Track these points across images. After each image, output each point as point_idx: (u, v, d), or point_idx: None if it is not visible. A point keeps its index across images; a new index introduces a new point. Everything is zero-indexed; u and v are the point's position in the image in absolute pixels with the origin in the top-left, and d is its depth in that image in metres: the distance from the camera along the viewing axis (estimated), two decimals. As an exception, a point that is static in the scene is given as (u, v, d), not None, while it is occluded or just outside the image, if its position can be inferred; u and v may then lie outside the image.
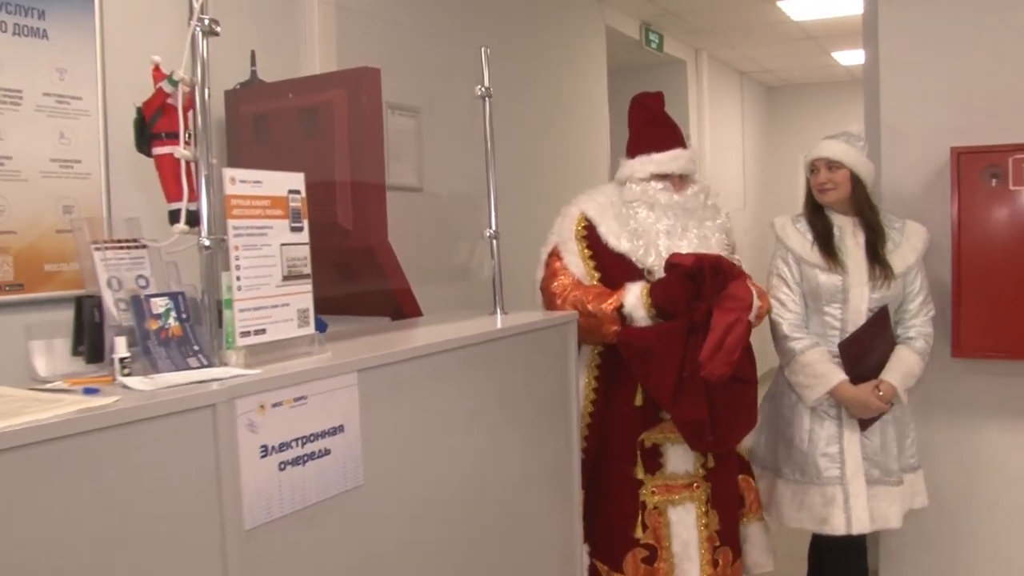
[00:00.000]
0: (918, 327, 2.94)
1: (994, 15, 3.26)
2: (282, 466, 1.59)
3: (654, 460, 2.68)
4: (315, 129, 2.53)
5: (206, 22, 1.65)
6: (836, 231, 2.97)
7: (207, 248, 1.64)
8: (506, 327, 2.41)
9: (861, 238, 2.95)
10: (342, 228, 2.46)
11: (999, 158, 3.11)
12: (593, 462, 2.71)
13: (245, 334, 1.64)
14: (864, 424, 2.91)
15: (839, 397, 2.89)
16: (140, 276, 1.69)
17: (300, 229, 1.79)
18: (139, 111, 1.71)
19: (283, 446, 1.59)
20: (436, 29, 3.94)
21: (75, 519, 1.24)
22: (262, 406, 1.55)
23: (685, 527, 2.67)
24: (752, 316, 2.62)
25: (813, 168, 3.00)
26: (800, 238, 3.00)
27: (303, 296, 1.79)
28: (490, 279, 2.69)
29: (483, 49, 2.62)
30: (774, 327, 2.98)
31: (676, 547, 2.67)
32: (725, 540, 2.75)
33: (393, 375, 1.87)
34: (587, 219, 2.70)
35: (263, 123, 2.68)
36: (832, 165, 2.93)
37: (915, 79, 3.39)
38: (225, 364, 1.64)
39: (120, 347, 1.52)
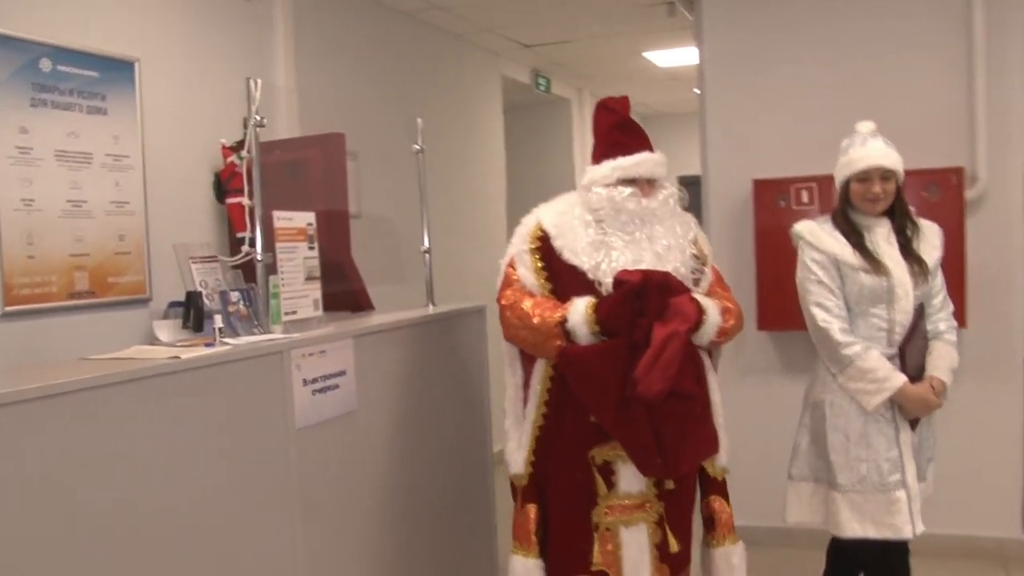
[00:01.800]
0: (947, 320, 2.99)
1: (787, 73, 4.44)
2: (314, 393, 2.61)
3: (606, 478, 2.62)
4: (298, 176, 3.52)
5: (258, 119, 2.67)
6: (867, 233, 2.96)
7: (260, 260, 2.65)
8: (435, 312, 3.47)
9: (893, 238, 2.95)
10: (320, 247, 3.47)
11: (785, 187, 4.31)
12: (541, 476, 2.68)
13: (287, 314, 2.66)
14: (914, 423, 2.93)
15: (903, 398, 2.86)
16: (216, 279, 2.69)
17: (313, 248, 2.81)
18: (216, 176, 2.72)
19: (313, 380, 2.61)
20: (370, 91, 4.97)
21: (208, 416, 2.26)
22: (303, 355, 2.57)
23: (637, 548, 2.63)
24: (711, 334, 2.63)
25: (864, 176, 2.92)
26: (835, 241, 2.97)
27: (315, 291, 2.81)
28: (424, 281, 3.72)
29: (418, 119, 3.66)
30: (823, 334, 2.94)
31: (627, 569, 2.63)
32: (665, 559, 2.68)
33: (371, 341, 2.91)
34: (542, 230, 2.68)
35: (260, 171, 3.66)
36: (886, 175, 2.91)
37: (729, 124, 4.57)
38: (273, 332, 2.64)
39: (218, 321, 2.51)
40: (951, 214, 4.06)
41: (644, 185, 2.65)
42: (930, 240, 3.00)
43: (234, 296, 2.61)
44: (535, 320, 2.56)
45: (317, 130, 3.91)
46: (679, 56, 6.91)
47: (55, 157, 3.13)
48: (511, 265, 2.72)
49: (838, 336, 2.90)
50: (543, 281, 2.65)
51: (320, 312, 2.82)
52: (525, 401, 2.73)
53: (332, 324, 2.92)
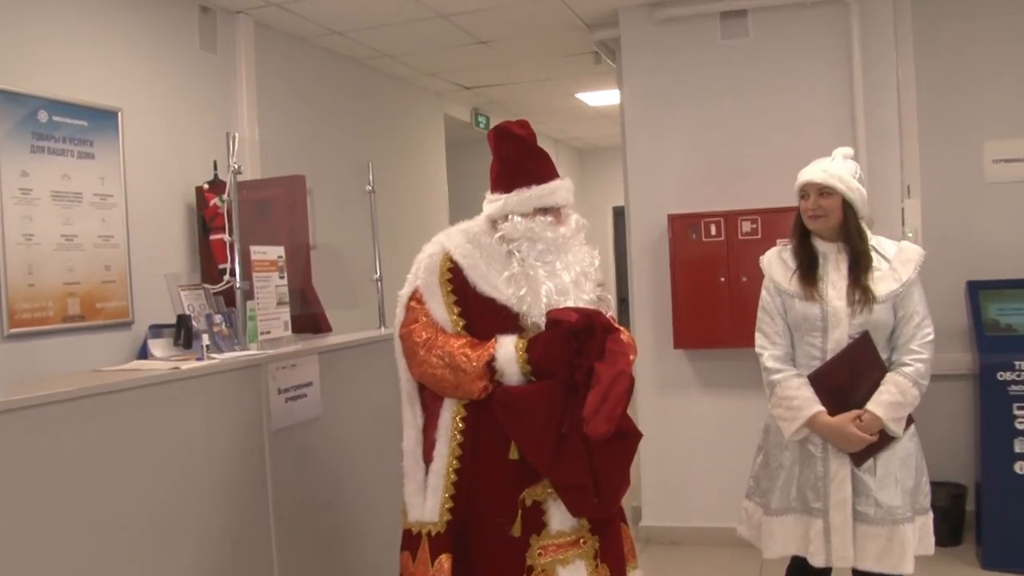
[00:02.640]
0: (913, 352, 2.83)
1: (693, 115, 4.99)
2: (286, 400, 3.07)
3: (537, 519, 2.49)
4: (265, 213, 3.98)
5: (236, 167, 3.13)
6: (821, 259, 2.91)
7: (239, 288, 3.11)
8: (387, 333, 3.93)
9: (844, 265, 2.87)
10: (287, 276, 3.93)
11: (696, 220, 4.87)
12: (462, 523, 2.50)
13: (263, 333, 3.12)
14: (857, 459, 2.81)
15: (815, 429, 2.82)
16: (201, 303, 3.14)
17: (283, 277, 3.27)
18: (201, 217, 3.17)
19: (286, 389, 3.07)
20: (324, 131, 5.44)
21: (201, 417, 2.71)
22: (278, 367, 3.03)
23: None
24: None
25: (803, 193, 2.92)
26: (782, 268, 2.97)
27: (285, 314, 3.28)
28: (376, 306, 4.20)
29: (369, 162, 4.15)
30: (760, 360, 2.96)
31: None
32: None
33: (333, 357, 3.38)
34: (452, 261, 2.54)
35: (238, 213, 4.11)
36: (824, 191, 2.86)
37: (647, 160, 5.11)
38: (251, 349, 3.10)
39: (205, 339, 2.96)
40: (837, 241, 4.66)
41: (555, 212, 2.58)
42: (902, 267, 2.88)
43: (217, 318, 3.07)
44: (460, 359, 2.43)
45: (277, 169, 4.38)
46: (606, 97, 7.48)
47: (51, 197, 3.56)
48: (417, 298, 2.56)
49: (767, 362, 2.93)
50: (455, 316, 2.52)
51: (289, 332, 3.29)
52: (429, 444, 2.56)
53: (299, 343, 3.38)
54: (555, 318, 2.42)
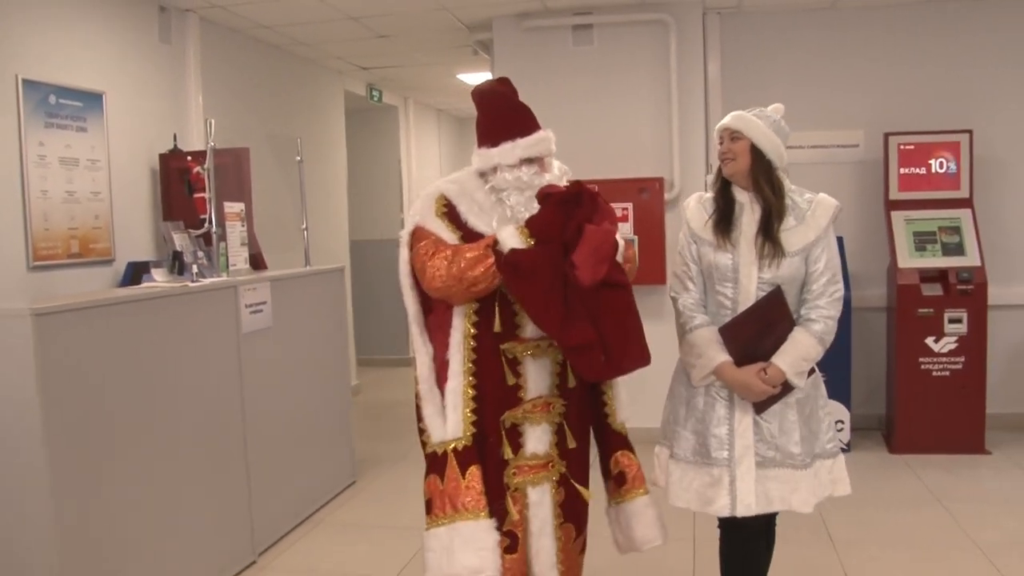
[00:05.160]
0: (820, 308, 2.82)
1: (545, 111, 6.36)
2: (251, 312, 4.31)
3: (514, 440, 2.67)
4: (220, 176, 5.14)
5: (213, 145, 4.32)
6: (737, 208, 2.89)
7: (215, 232, 4.31)
8: (312, 269, 5.20)
9: (757, 215, 2.85)
10: (234, 224, 5.12)
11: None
12: (483, 436, 2.66)
13: (232, 266, 4.33)
14: (759, 407, 2.83)
15: (721, 378, 2.85)
16: (186, 243, 4.32)
17: (244, 225, 4.48)
18: (187, 181, 4.35)
19: (250, 305, 4.31)
20: (252, 104, 6.58)
21: (199, 320, 3.95)
22: (246, 289, 4.26)
23: (542, 506, 2.69)
24: (619, 255, 2.64)
25: (720, 138, 2.93)
26: (700, 215, 2.96)
27: (245, 252, 4.49)
28: (303, 249, 5.43)
29: (298, 139, 5.35)
30: (673, 304, 3.00)
31: (534, 526, 2.68)
32: (568, 517, 2.75)
33: (277, 284, 4.62)
34: (447, 199, 2.68)
35: (183, 174, 5.26)
36: (734, 136, 2.87)
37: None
38: (223, 277, 4.30)
39: (195, 268, 4.15)
40: (656, 209, 6.09)
41: (539, 161, 2.69)
42: (816, 219, 2.86)
43: (200, 254, 4.27)
44: (464, 250, 2.56)
45: (220, 140, 5.52)
46: (482, 77, 8.75)
47: (58, 162, 4.66)
48: (418, 232, 2.69)
49: (680, 307, 2.96)
50: (458, 239, 2.64)
51: (248, 266, 4.51)
52: (442, 366, 2.70)
53: (253, 274, 4.61)
54: (546, 192, 2.57)
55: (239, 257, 4.42)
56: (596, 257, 2.48)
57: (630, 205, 6.10)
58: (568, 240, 2.51)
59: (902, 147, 6.01)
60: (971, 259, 5.79)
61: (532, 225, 2.54)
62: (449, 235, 2.64)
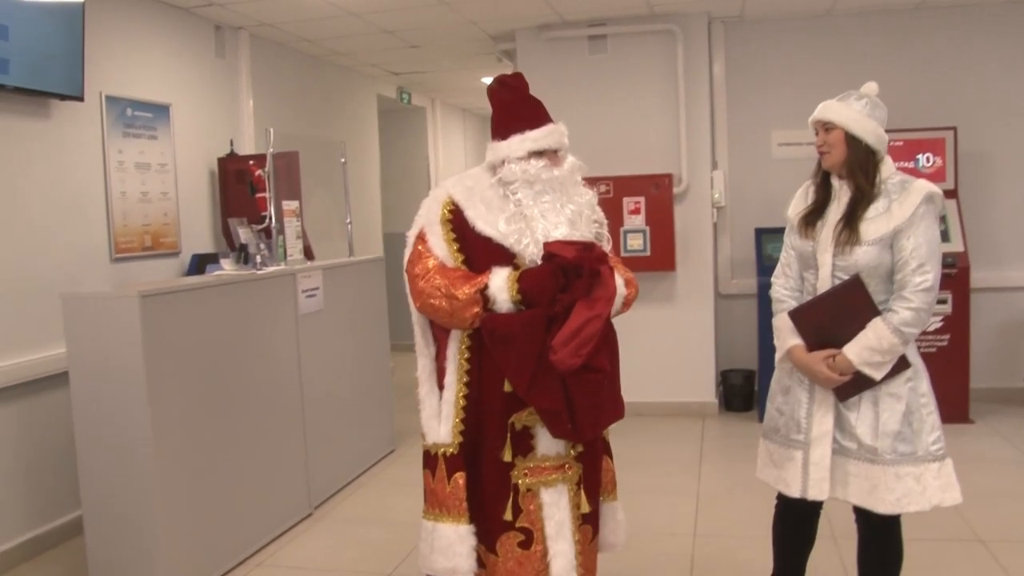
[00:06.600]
0: (903, 298, 2.72)
1: (568, 112, 6.93)
2: (306, 297, 4.93)
3: (525, 442, 2.67)
4: (270, 179, 5.76)
5: (272, 151, 4.93)
6: (833, 196, 2.88)
7: (275, 227, 4.92)
8: (357, 259, 5.81)
9: (844, 202, 2.83)
10: (286, 220, 5.75)
11: (569, 184, 6.82)
12: (472, 445, 2.69)
13: (289, 256, 4.95)
14: (840, 394, 2.80)
15: (791, 362, 2.88)
16: (253, 236, 4.93)
17: (299, 220, 5.10)
18: (251, 183, 4.98)
19: (305, 290, 4.93)
20: (296, 112, 7.21)
21: (265, 303, 4.57)
22: (302, 276, 4.88)
23: (558, 508, 2.68)
24: (617, 306, 2.66)
25: (815, 131, 2.91)
26: (799, 204, 2.99)
27: (300, 244, 5.11)
28: (347, 241, 6.04)
29: (342, 142, 5.96)
30: (771, 288, 3.04)
31: (550, 528, 2.67)
32: (587, 519, 2.77)
33: (330, 272, 5.23)
34: (454, 202, 2.68)
35: (241, 175, 5.88)
36: (827, 127, 2.84)
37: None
38: (282, 266, 4.91)
39: (259, 259, 4.76)
40: (666, 202, 6.66)
41: (552, 155, 2.68)
42: (899, 210, 2.76)
43: (262, 246, 4.88)
44: (454, 289, 2.56)
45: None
46: (508, 80, 9.36)
47: (134, 166, 5.29)
48: (421, 236, 2.72)
49: (774, 291, 3.00)
50: (454, 252, 2.65)
51: (303, 256, 5.13)
52: (440, 372, 2.75)
53: (307, 263, 5.23)
54: (550, 252, 2.54)
55: (295, 248, 5.03)
56: (577, 342, 2.49)
57: (642, 199, 6.67)
58: (554, 315, 2.53)
59: (891, 143, 6.50)
60: (955, 245, 6.32)
61: (524, 280, 2.55)
62: (446, 249, 2.66)
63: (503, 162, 2.69)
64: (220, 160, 6.02)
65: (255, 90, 6.55)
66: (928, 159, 6.51)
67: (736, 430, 6.45)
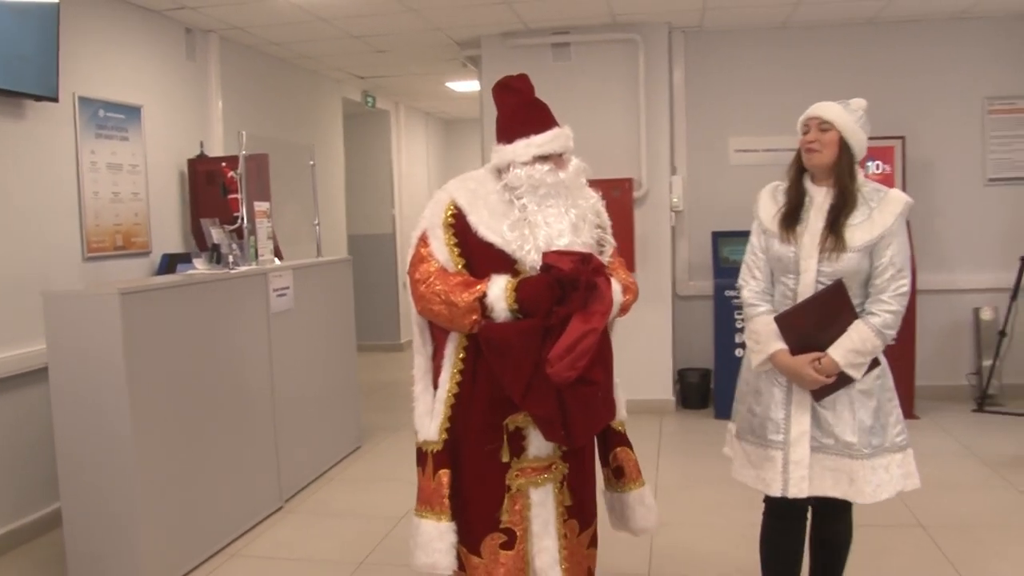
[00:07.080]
0: (883, 302, 2.80)
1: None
2: (277, 296, 5.05)
3: (517, 443, 2.71)
4: (242, 181, 5.86)
5: (243, 155, 5.05)
6: (807, 201, 2.91)
7: (247, 226, 5.04)
8: (325, 260, 5.93)
9: (827, 207, 2.86)
10: (256, 221, 5.85)
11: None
12: (456, 443, 2.71)
13: (260, 256, 5.07)
14: (817, 394, 2.86)
15: (776, 366, 2.90)
16: (225, 236, 5.04)
17: (270, 221, 5.22)
18: (223, 185, 5.09)
19: (276, 289, 5.05)
20: (263, 113, 7.31)
21: (237, 301, 4.69)
22: (273, 275, 5.00)
23: (545, 507, 2.73)
24: (613, 315, 2.71)
25: (805, 128, 2.93)
26: (769, 207, 3.00)
27: (271, 244, 5.23)
28: (315, 242, 6.16)
29: (312, 144, 6.08)
30: (740, 292, 3.06)
31: (536, 527, 2.72)
32: (572, 513, 2.80)
33: (300, 273, 5.35)
34: (456, 206, 2.67)
35: (211, 176, 5.98)
36: (824, 126, 2.87)
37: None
38: (253, 265, 5.03)
39: (231, 259, 4.87)
40: (626, 206, 6.86)
41: (557, 159, 2.69)
42: (882, 215, 2.84)
43: (234, 246, 4.99)
44: (452, 297, 2.57)
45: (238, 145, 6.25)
46: (468, 85, 9.51)
47: (107, 167, 5.38)
48: (423, 239, 2.71)
49: (744, 295, 3.02)
50: (455, 257, 2.65)
51: (273, 256, 5.25)
52: (436, 371, 2.78)
53: (277, 263, 5.34)
54: (548, 263, 2.55)
55: (266, 249, 5.15)
56: (572, 357, 2.49)
57: (603, 203, 6.81)
58: (551, 327, 2.53)
59: (842, 151, 6.79)
60: (902, 249, 6.58)
61: (522, 290, 2.55)
62: (447, 253, 2.66)
63: (508, 166, 2.69)
64: (190, 161, 6.11)
65: (224, 92, 6.65)
66: (878, 166, 6.78)
67: (693, 426, 6.67)
